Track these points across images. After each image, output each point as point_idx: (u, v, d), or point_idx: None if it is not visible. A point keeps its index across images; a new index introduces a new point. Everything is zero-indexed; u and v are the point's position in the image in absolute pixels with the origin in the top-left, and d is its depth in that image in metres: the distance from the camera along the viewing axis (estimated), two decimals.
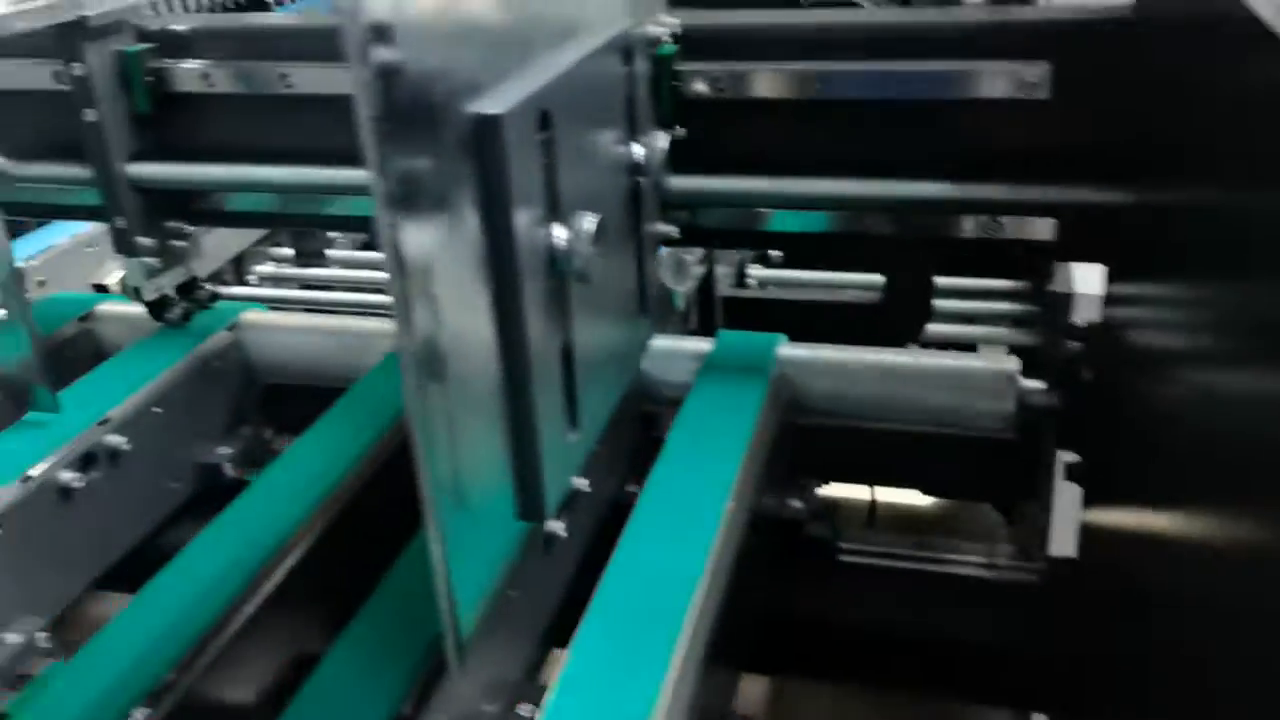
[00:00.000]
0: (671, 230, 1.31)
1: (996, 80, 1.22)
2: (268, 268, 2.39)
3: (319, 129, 1.52)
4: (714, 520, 1.16)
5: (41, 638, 1.29)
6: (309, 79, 1.48)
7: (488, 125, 0.79)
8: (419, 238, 0.73)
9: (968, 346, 2.38)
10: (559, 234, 0.90)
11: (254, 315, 1.71)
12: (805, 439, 1.50)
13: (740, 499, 1.21)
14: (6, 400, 1.50)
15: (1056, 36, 1.21)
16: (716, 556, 1.11)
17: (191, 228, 1.63)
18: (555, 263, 0.91)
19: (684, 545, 1.12)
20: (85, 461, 1.40)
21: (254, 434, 1.68)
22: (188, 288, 1.67)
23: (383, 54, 0.68)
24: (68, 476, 1.37)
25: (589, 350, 1.03)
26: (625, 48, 1.09)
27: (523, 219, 0.85)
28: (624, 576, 1.07)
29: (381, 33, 0.68)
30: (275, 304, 2.38)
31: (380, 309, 2.43)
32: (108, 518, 1.44)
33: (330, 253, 2.40)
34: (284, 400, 1.75)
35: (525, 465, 0.91)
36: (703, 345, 1.52)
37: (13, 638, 1.27)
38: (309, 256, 2.42)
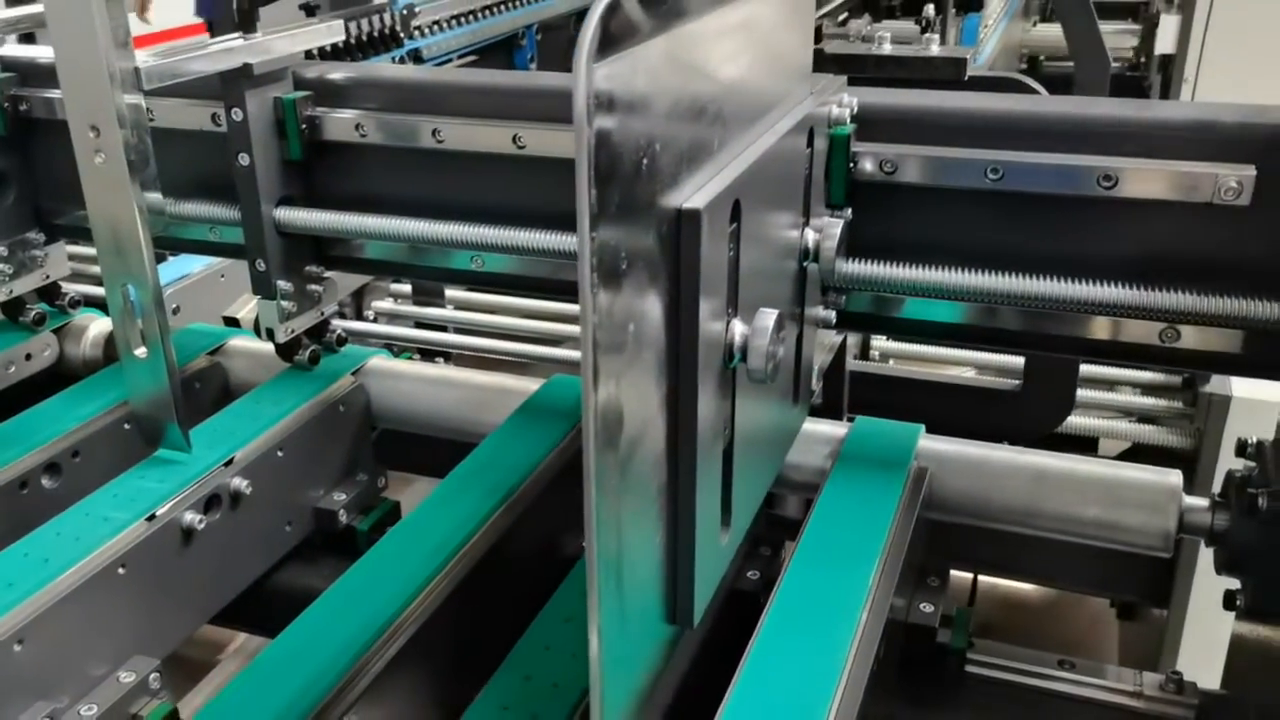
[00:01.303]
0: (831, 315, 1.26)
1: (1193, 182, 1.15)
2: (386, 304, 2.40)
3: (464, 184, 1.52)
4: (849, 624, 1.10)
5: (154, 679, 1.28)
6: (460, 135, 1.47)
7: (688, 219, 0.76)
8: (611, 312, 0.69)
9: (1091, 439, 2.29)
10: (738, 329, 0.86)
11: (379, 362, 1.71)
12: (937, 531, 1.43)
13: (876, 604, 1.15)
14: (138, 434, 1.52)
15: (1265, 140, 1.13)
16: (852, 665, 1.05)
17: (328, 273, 1.63)
18: (730, 356, 0.86)
19: (818, 651, 1.06)
20: (209, 503, 1.40)
21: (368, 481, 1.66)
22: (318, 331, 1.66)
23: (604, 121, 0.65)
24: (191, 518, 1.36)
25: (747, 444, 0.98)
26: (810, 128, 1.05)
27: (706, 310, 0.81)
28: (757, 682, 1.02)
29: (606, 101, 0.65)
30: (391, 341, 2.40)
31: (494, 354, 2.44)
32: (224, 559, 1.44)
33: (450, 293, 2.40)
34: (398, 447, 1.74)
35: (679, 565, 0.87)
36: (838, 430, 1.46)
37: (126, 677, 1.26)
38: (428, 296, 2.43)
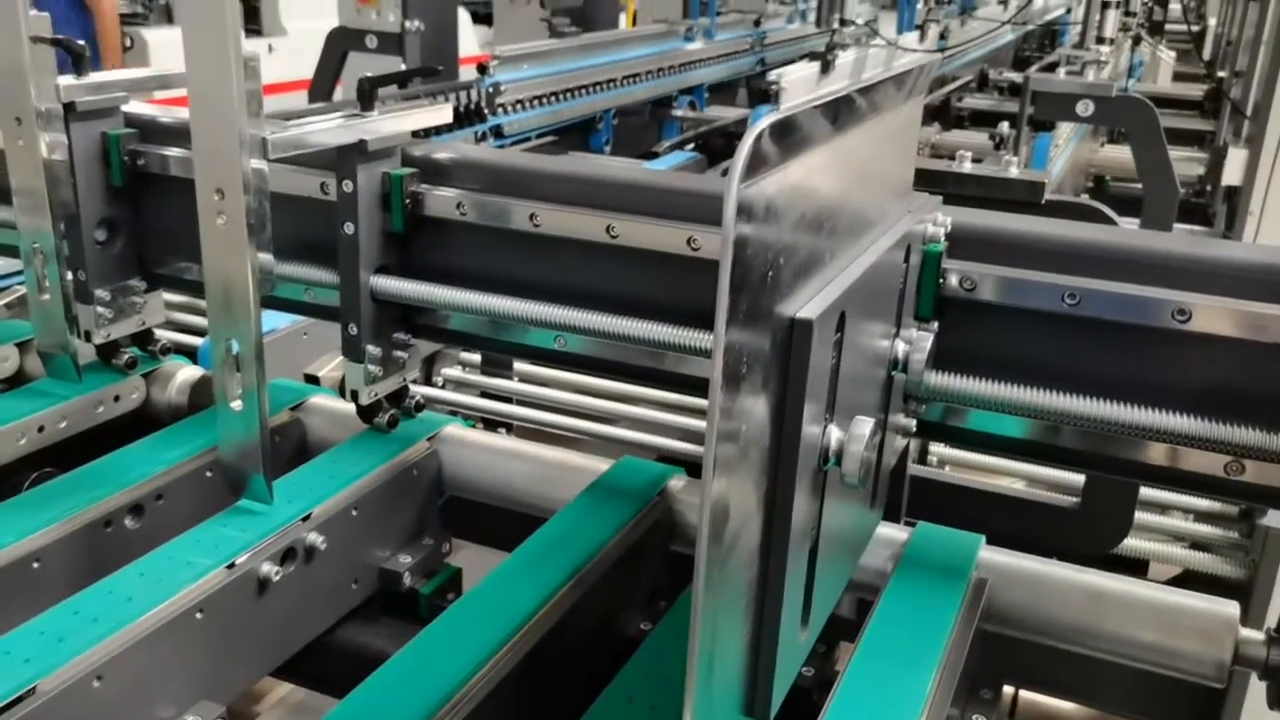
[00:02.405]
0: (911, 424, 1.29)
1: (1262, 323, 1.19)
2: (455, 371, 2.47)
3: (555, 267, 1.59)
4: None
5: None
6: (555, 221, 1.54)
7: (801, 327, 0.80)
8: (730, 411, 0.74)
9: (1142, 561, 2.28)
10: (834, 434, 0.89)
11: (453, 430, 1.76)
12: (990, 643, 1.44)
13: (932, 713, 1.16)
14: (220, 482, 1.57)
15: None
16: None
17: (414, 340, 1.70)
18: (825, 460, 0.90)
19: None
20: (285, 556, 1.44)
21: (434, 545, 1.70)
22: (398, 395, 1.72)
23: (744, 233, 0.70)
24: (268, 569, 1.41)
25: (830, 544, 1.01)
26: (908, 244, 1.10)
27: (808, 414, 0.85)
28: None
29: (748, 216, 0.70)
30: (457, 409, 2.46)
31: (556, 428, 2.49)
32: (294, 611, 1.47)
33: (518, 366, 2.46)
34: (463, 514, 1.78)
35: (761, 658, 0.90)
36: (899, 534, 1.48)
37: None
38: (495, 366, 2.49)
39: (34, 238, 1.69)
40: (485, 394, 2.54)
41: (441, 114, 1.68)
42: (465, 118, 3.63)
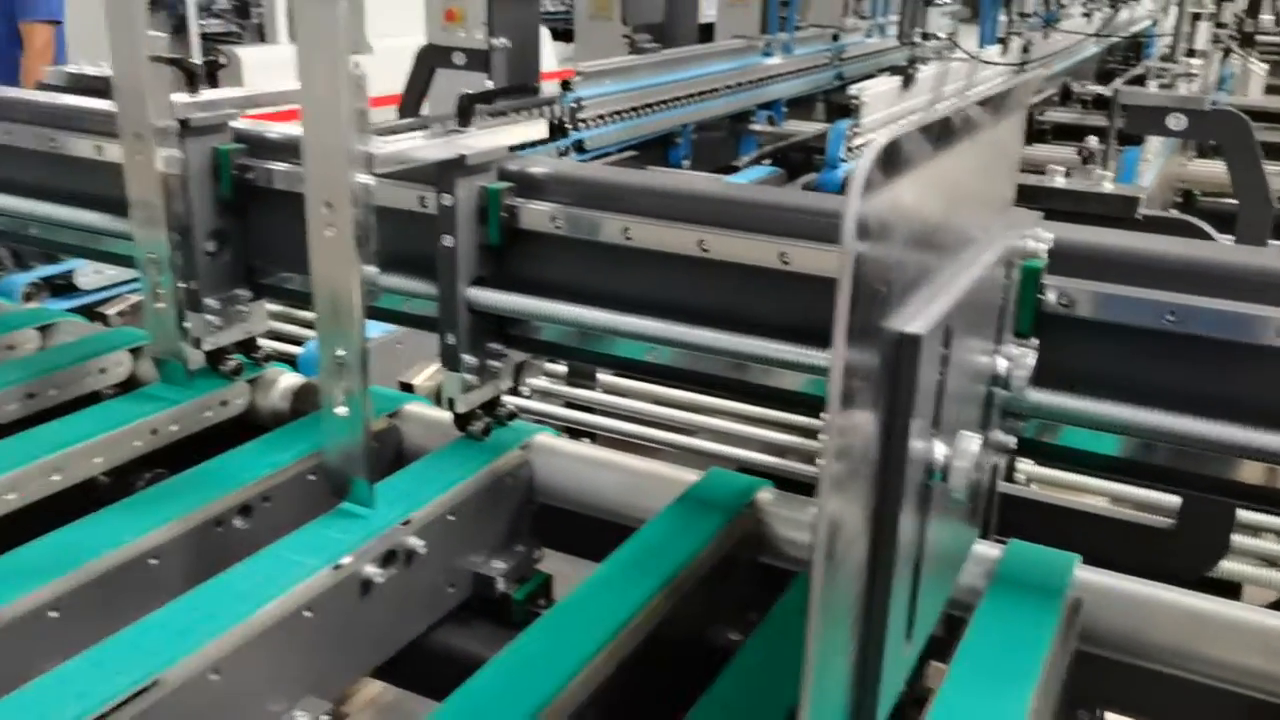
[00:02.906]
0: (1011, 441, 1.29)
1: None
2: (541, 381, 2.51)
3: (648, 280, 1.62)
4: None
5: None
6: (649, 235, 1.57)
7: (910, 343, 0.82)
8: (844, 428, 0.75)
9: (1234, 585, 2.22)
10: (940, 449, 0.90)
11: (545, 439, 1.79)
12: (1085, 665, 1.42)
13: None
14: (323, 485, 1.63)
15: None
16: None
17: (508, 350, 1.74)
18: (931, 476, 0.91)
19: None
20: (386, 558, 1.48)
21: (525, 552, 1.73)
22: (491, 405, 1.76)
23: (862, 249, 0.72)
24: (371, 570, 1.45)
25: (932, 559, 1.02)
26: (1009, 261, 1.10)
27: (915, 429, 0.86)
28: None
29: (865, 231, 0.72)
30: (541, 418, 2.50)
31: (639, 439, 2.51)
32: (394, 613, 1.52)
33: (601, 377, 2.50)
34: (553, 521, 1.81)
35: (868, 672, 0.90)
36: (991, 551, 1.47)
37: (301, 716, 1.34)
38: (580, 377, 2.53)
39: (150, 249, 1.77)
40: (570, 404, 2.58)
41: (537, 129, 1.72)
42: (549, 133, 3.69)
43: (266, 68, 6.97)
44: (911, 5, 4.29)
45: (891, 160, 0.76)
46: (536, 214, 1.64)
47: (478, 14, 4.60)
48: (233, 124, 1.87)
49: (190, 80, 1.74)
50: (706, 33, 5.97)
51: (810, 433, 2.49)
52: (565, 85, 3.95)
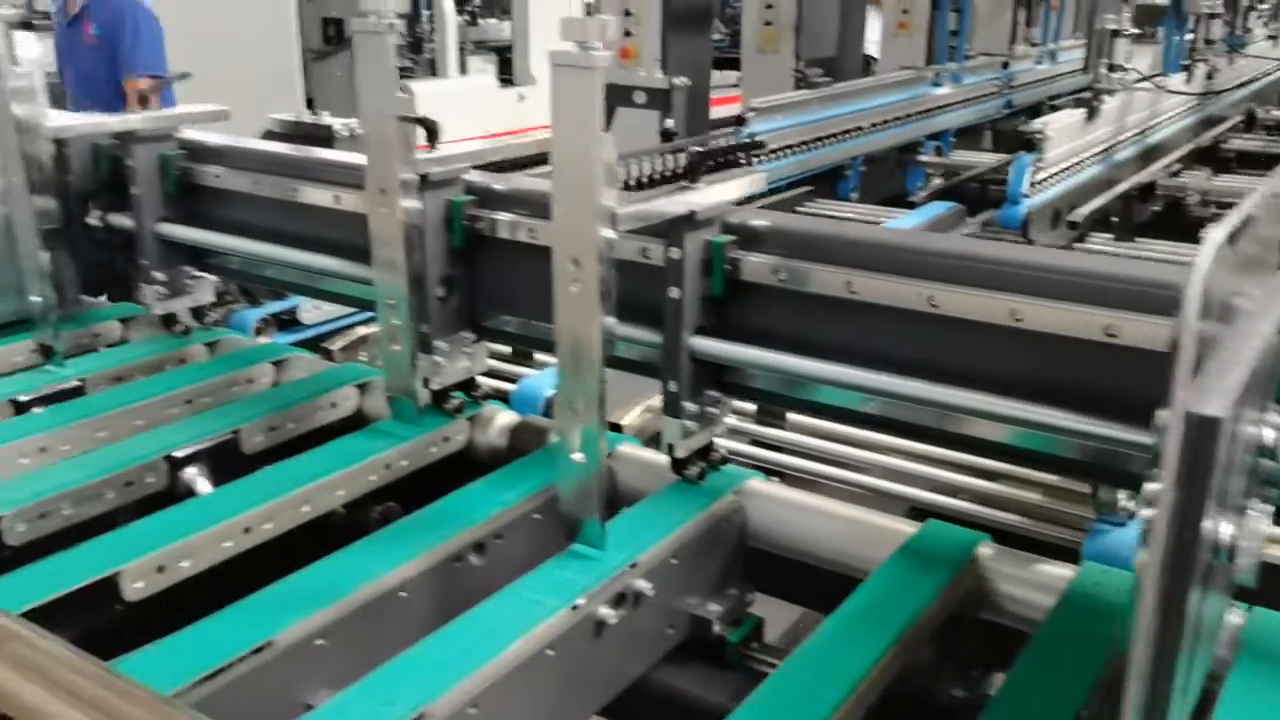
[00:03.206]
0: (1269, 510, 1.26)
1: None
2: (730, 420, 2.54)
3: (869, 333, 1.63)
4: None
5: None
6: (873, 289, 1.59)
7: (1207, 426, 0.81)
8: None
9: None
10: (1225, 527, 0.90)
11: (758, 484, 1.82)
12: None
13: None
14: (549, 524, 1.70)
15: None
16: None
17: (725, 398, 1.78)
18: (1216, 555, 0.90)
19: None
20: (618, 600, 1.54)
21: (738, 595, 1.76)
22: (705, 449, 1.81)
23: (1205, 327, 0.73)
24: (605, 612, 1.51)
25: (1205, 626, 1.00)
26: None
27: (1209, 510, 0.86)
28: None
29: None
30: (730, 457, 2.53)
31: (829, 480, 2.52)
32: (622, 653, 1.57)
33: (791, 417, 2.51)
34: (764, 566, 1.84)
35: None
36: (1233, 619, 1.43)
37: None
38: (769, 416, 2.55)
39: (389, 294, 1.88)
40: (755, 441, 2.60)
41: (759, 183, 1.77)
42: (723, 167, 3.74)
43: (439, 100, 7.33)
44: (1099, 36, 4.18)
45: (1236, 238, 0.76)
46: (758, 266, 1.68)
47: (653, 50, 4.73)
48: (466, 177, 1.97)
49: (431, 136, 1.86)
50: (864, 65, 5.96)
51: (1006, 478, 2.45)
52: (740, 121, 4.00)
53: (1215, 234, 0.72)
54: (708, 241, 1.69)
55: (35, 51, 2.21)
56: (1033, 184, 3.69)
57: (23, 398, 2.13)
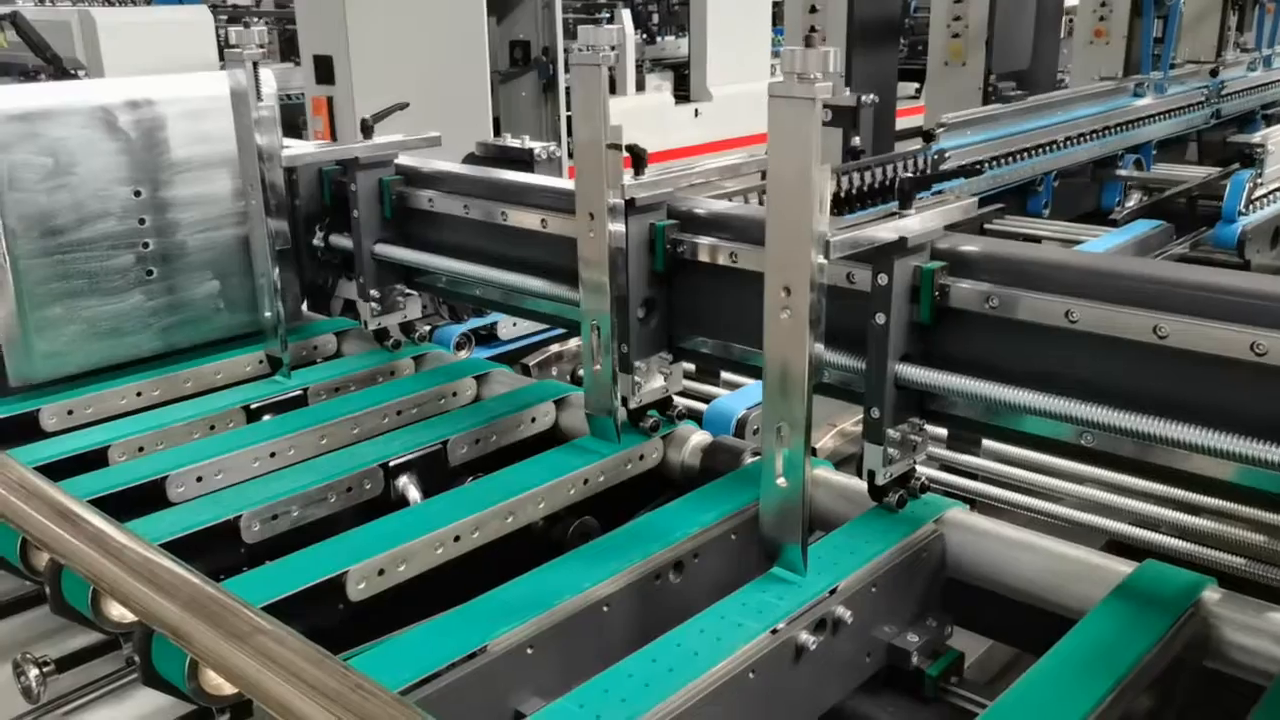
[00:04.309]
0: None
1: None
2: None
3: (1090, 362, 1.58)
4: None
5: None
6: (1095, 318, 1.53)
7: None
8: None
9: None
10: None
11: (958, 514, 1.78)
12: None
13: None
14: (745, 545, 1.71)
15: None
16: None
17: (926, 425, 1.75)
18: None
19: None
20: (818, 626, 1.54)
21: (937, 627, 1.73)
22: (905, 476, 1.78)
23: None
24: (805, 637, 1.51)
25: None
26: None
27: None
28: None
29: None
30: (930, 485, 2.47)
31: (1024, 509, 2.44)
32: (819, 679, 1.56)
33: (986, 444, 2.45)
34: (962, 598, 1.79)
35: None
36: None
37: None
38: (962, 442, 2.49)
39: (594, 316, 1.94)
40: (945, 467, 2.54)
41: (970, 210, 1.73)
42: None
43: (618, 117, 7.46)
44: None
45: None
46: (969, 293, 1.65)
47: (838, 66, 4.68)
48: (670, 203, 2.01)
49: (637, 163, 1.90)
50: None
51: (1223, 515, 2.31)
52: (928, 137, 3.92)
53: None
54: (917, 268, 1.67)
55: (273, 85, 2.38)
56: (1249, 201, 3.47)
57: (254, 405, 2.30)
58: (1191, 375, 1.49)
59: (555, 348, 2.86)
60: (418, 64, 5.12)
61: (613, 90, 8.27)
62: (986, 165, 4.11)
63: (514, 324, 2.96)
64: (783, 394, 1.54)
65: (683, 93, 8.50)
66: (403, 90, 3.64)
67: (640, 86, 8.71)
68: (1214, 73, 5.48)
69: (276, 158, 2.37)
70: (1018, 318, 1.62)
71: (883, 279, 1.65)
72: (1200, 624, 1.52)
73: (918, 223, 1.63)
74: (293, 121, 5.33)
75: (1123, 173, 4.89)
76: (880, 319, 1.66)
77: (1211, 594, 1.55)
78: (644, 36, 9.90)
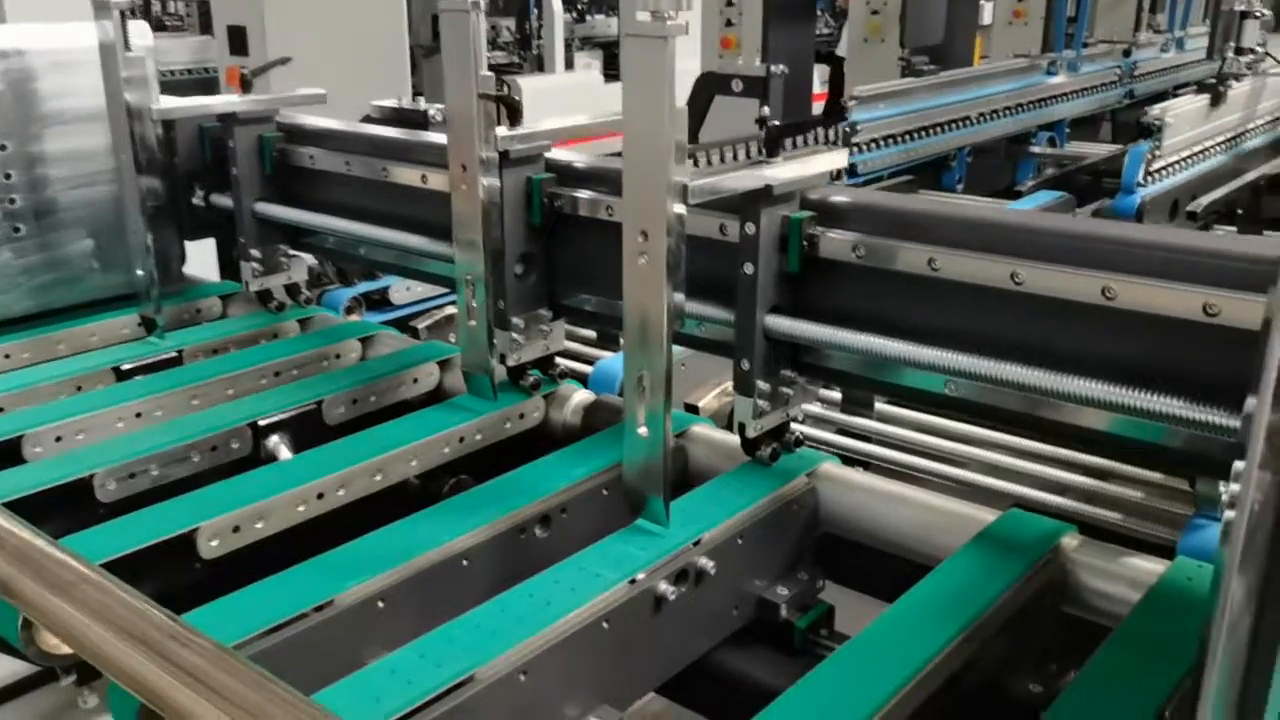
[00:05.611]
0: None
1: None
2: (814, 408, 2.49)
3: (952, 312, 1.57)
4: None
5: None
6: (957, 266, 1.53)
7: None
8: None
9: None
10: None
11: (831, 468, 1.78)
12: None
13: None
14: (614, 500, 1.69)
15: None
16: None
17: (800, 378, 1.74)
18: None
19: None
20: (679, 577, 1.52)
21: (808, 581, 1.72)
22: (779, 431, 1.77)
23: None
24: (665, 588, 1.49)
25: None
26: None
27: None
28: None
29: None
30: (813, 444, 2.48)
31: (912, 470, 2.45)
32: (682, 631, 1.54)
33: (880, 407, 2.45)
34: (837, 552, 1.79)
35: None
36: None
37: None
38: (855, 405, 2.49)
39: (468, 270, 1.90)
40: (843, 431, 2.55)
41: (840, 159, 1.72)
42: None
43: (545, 95, 7.46)
44: (1226, 17, 3.96)
45: None
46: (838, 243, 1.63)
47: (754, 41, 4.68)
48: (547, 155, 1.97)
49: (512, 115, 1.86)
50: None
51: (1102, 473, 2.34)
52: (840, 109, 3.92)
53: None
54: (785, 217, 1.65)
55: (148, 38, 2.29)
56: (1149, 173, 3.52)
57: (125, 366, 2.22)
58: (1050, 321, 1.49)
59: (449, 310, 2.81)
60: (335, 35, 5.02)
61: (541, 68, 8.18)
62: (900, 139, 4.13)
63: (407, 288, 2.91)
64: (642, 342, 1.51)
65: (613, 72, 8.44)
66: (319, 62, 3.55)
67: (570, 65, 8.64)
68: (1127, 53, 5.57)
69: (148, 113, 2.29)
70: (884, 267, 1.61)
71: (750, 228, 1.63)
72: (1058, 569, 1.52)
73: (784, 171, 1.61)
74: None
75: (1036, 150, 4.95)
76: (749, 269, 1.64)
77: (1070, 540, 1.56)
78: (574, 15, 9.83)
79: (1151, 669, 1.28)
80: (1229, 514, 0.79)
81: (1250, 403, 0.73)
